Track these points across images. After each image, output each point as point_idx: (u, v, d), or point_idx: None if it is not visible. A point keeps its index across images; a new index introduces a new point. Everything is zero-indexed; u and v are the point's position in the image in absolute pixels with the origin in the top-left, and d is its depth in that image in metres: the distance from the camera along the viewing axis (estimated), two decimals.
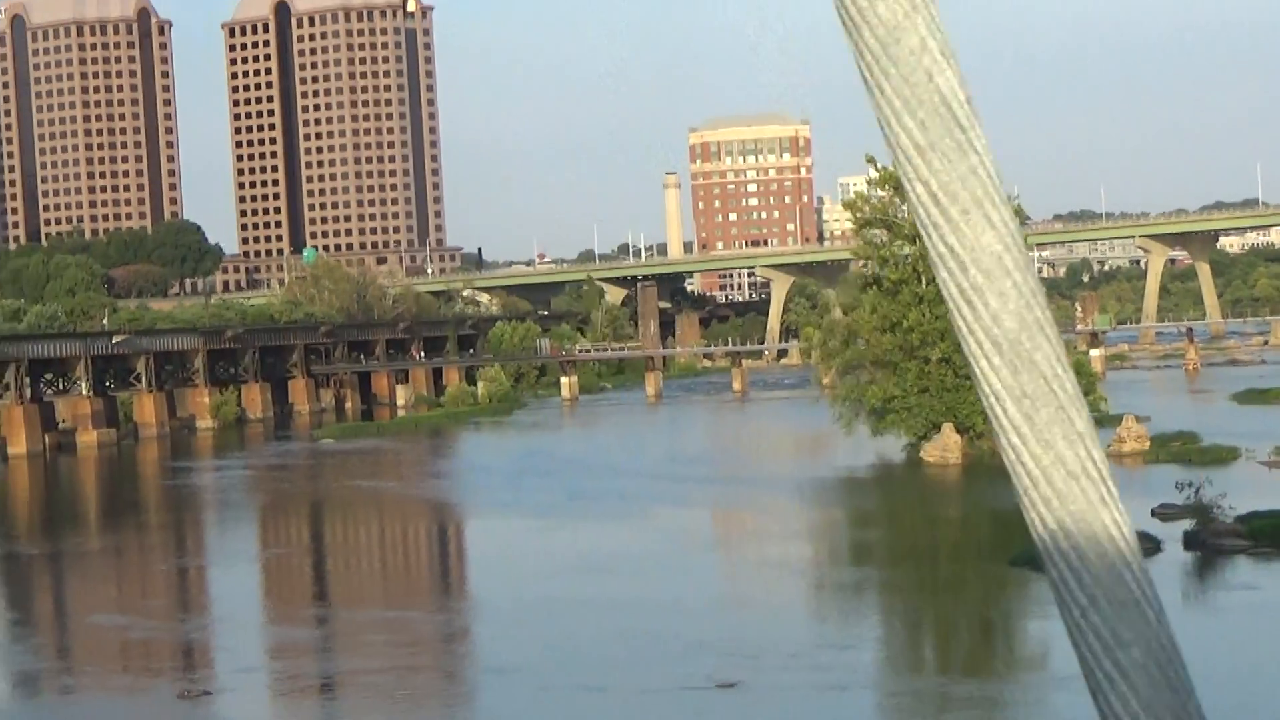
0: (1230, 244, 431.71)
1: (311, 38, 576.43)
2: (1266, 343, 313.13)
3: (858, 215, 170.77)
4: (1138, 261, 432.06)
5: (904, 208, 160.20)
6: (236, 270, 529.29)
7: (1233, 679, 70.44)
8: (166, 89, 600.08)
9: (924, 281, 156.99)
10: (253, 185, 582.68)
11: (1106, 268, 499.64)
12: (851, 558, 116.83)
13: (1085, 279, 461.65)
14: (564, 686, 73.77)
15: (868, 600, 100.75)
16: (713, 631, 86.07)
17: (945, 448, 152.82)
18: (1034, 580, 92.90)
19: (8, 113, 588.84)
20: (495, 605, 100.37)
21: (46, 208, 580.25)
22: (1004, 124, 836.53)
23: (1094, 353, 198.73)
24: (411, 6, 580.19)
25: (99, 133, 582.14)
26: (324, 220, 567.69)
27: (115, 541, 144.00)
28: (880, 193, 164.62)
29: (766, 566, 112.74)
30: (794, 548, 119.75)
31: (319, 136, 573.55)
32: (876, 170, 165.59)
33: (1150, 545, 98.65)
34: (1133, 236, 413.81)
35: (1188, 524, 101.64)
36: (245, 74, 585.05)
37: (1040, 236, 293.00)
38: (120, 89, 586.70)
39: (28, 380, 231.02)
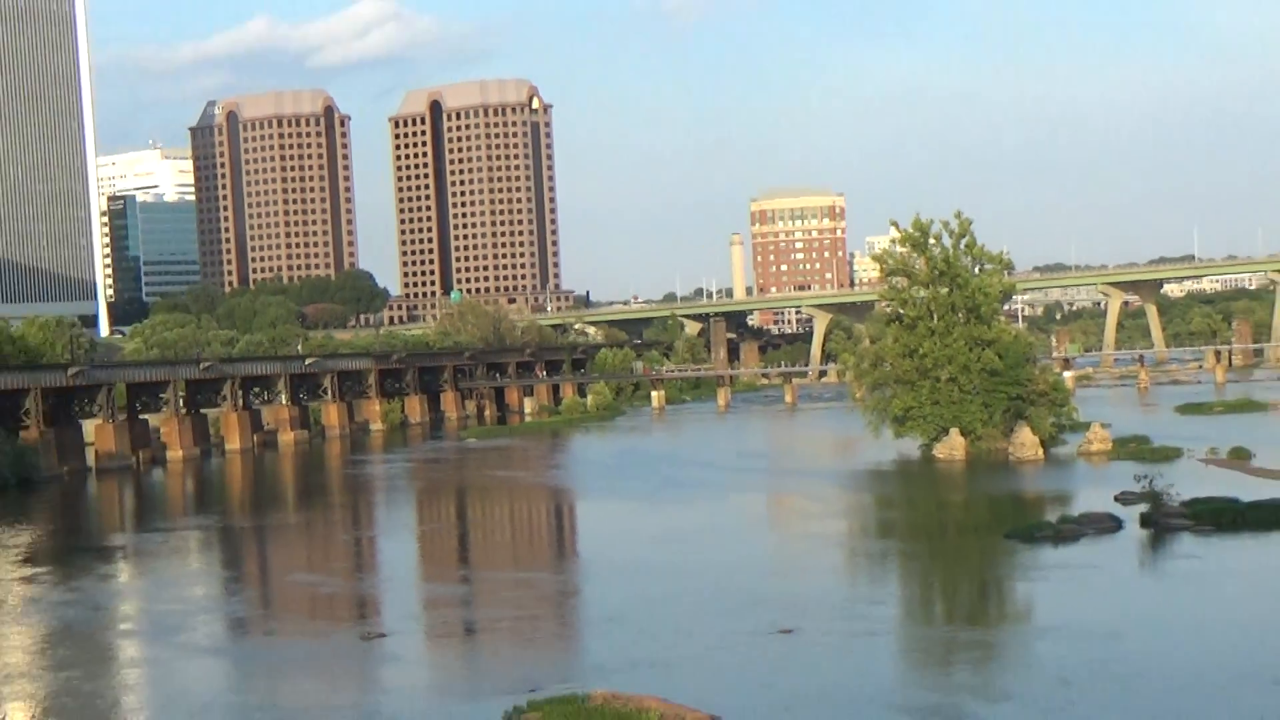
0: (1172, 290, 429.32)
1: (458, 128, 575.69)
2: (1200, 367, 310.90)
3: (884, 266, 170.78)
4: (1099, 303, 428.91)
5: (919, 260, 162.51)
6: (399, 308, 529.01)
7: (1179, 625, 72.64)
8: (346, 167, 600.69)
9: (935, 318, 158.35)
10: (412, 241, 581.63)
11: (1074, 308, 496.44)
12: (878, 532, 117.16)
13: (1058, 317, 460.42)
14: (658, 631, 74.78)
15: (890, 566, 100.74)
16: (771, 589, 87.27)
17: (952, 448, 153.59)
18: (1022, 550, 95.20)
19: (224, 186, 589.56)
20: (601, 567, 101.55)
21: (253, 260, 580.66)
22: (997, 195, 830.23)
23: (1066, 374, 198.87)
24: (535, 105, 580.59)
25: (294, 201, 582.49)
26: (467, 269, 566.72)
27: (307, 517, 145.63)
28: (901, 249, 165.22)
29: (811, 538, 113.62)
30: (832, 524, 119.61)
31: (463, 204, 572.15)
32: (898, 231, 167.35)
33: (1114, 524, 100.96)
34: (1095, 284, 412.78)
35: (1143, 507, 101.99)
36: (406, 155, 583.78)
37: (1022, 283, 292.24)
38: (310, 167, 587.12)
39: (240, 393, 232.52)
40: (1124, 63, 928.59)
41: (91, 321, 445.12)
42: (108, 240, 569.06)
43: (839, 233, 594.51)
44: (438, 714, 59.98)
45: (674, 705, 54.88)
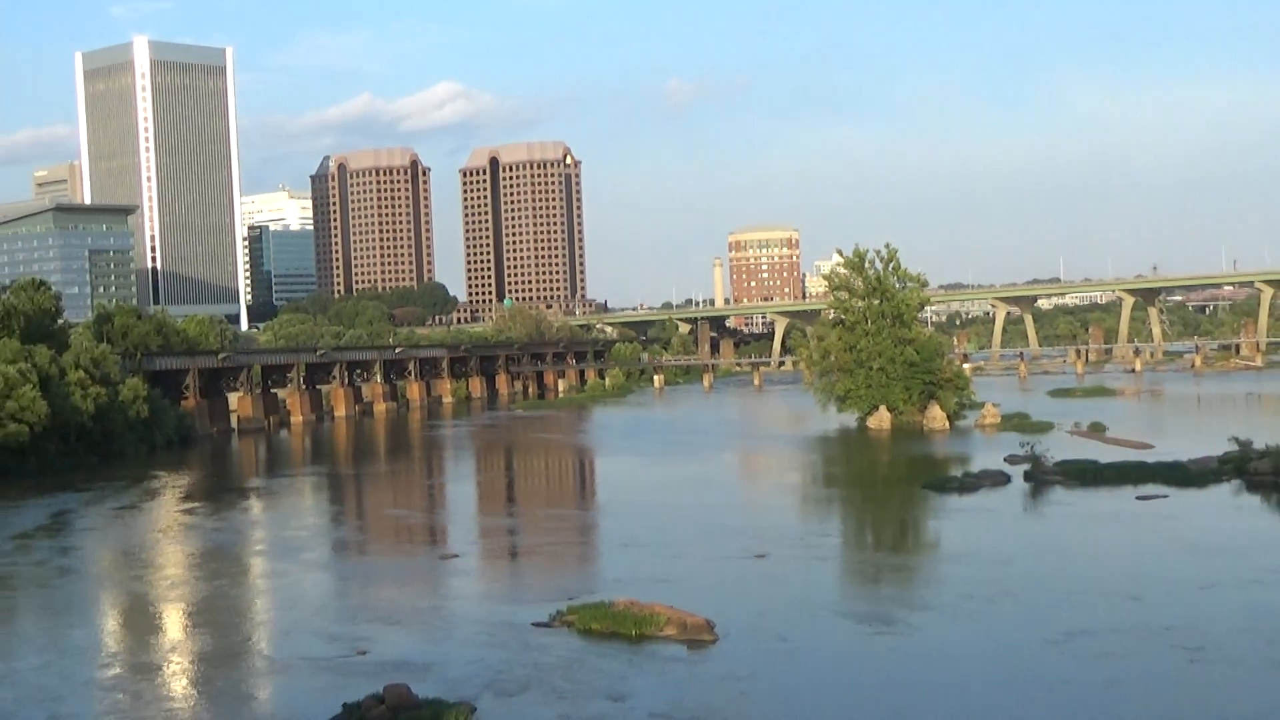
0: (1043, 303, 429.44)
1: (511, 178, 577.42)
2: (1065, 362, 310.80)
3: (831, 283, 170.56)
4: (988, 313, 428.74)
5: (858, 279, 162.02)
6: (465, 311, 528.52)
7: (1054, 553, 72.12)
8: (426, 205, 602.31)
9: (869, 322, 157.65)
10: (475, 261, 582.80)
11: (969, 316, 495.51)
12: (824, 482, 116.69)
13: (957, 323, 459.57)
14: (662, 555, 74.39)
15: (834, 507, 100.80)
16: (746, 523, 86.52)
17: (881, 420, 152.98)
18: (935, 498, 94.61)
19: (335, 219, 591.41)
20: (616, 506, 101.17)
21: (356, 274, 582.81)
22: (914, 230, 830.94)
23: (966, 366, 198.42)
24: (569, 161, 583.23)
25: (387, 230, 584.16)
26: (516, 282, 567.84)
27: (395, 467, 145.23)
28: (844, 270, 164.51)
29: (775, 486, 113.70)
30: (790, 476, 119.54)
31: (513, 233, 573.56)
32: (842, 257, 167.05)
33: (1004, 479, 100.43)
34: (986, 298, 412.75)
35: (1026, 466, 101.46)
36: (472, 197, 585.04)
37: (933, 297, 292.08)
38: (400, 205, 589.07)
39: (346, 374, 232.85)
40: (1007, 133, 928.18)
41: (235, 319, 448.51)
42: (247, 259, 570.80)
43: (795, 258, 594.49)
44: (499, 614, 59.49)
45: (677, 610, 54.49)
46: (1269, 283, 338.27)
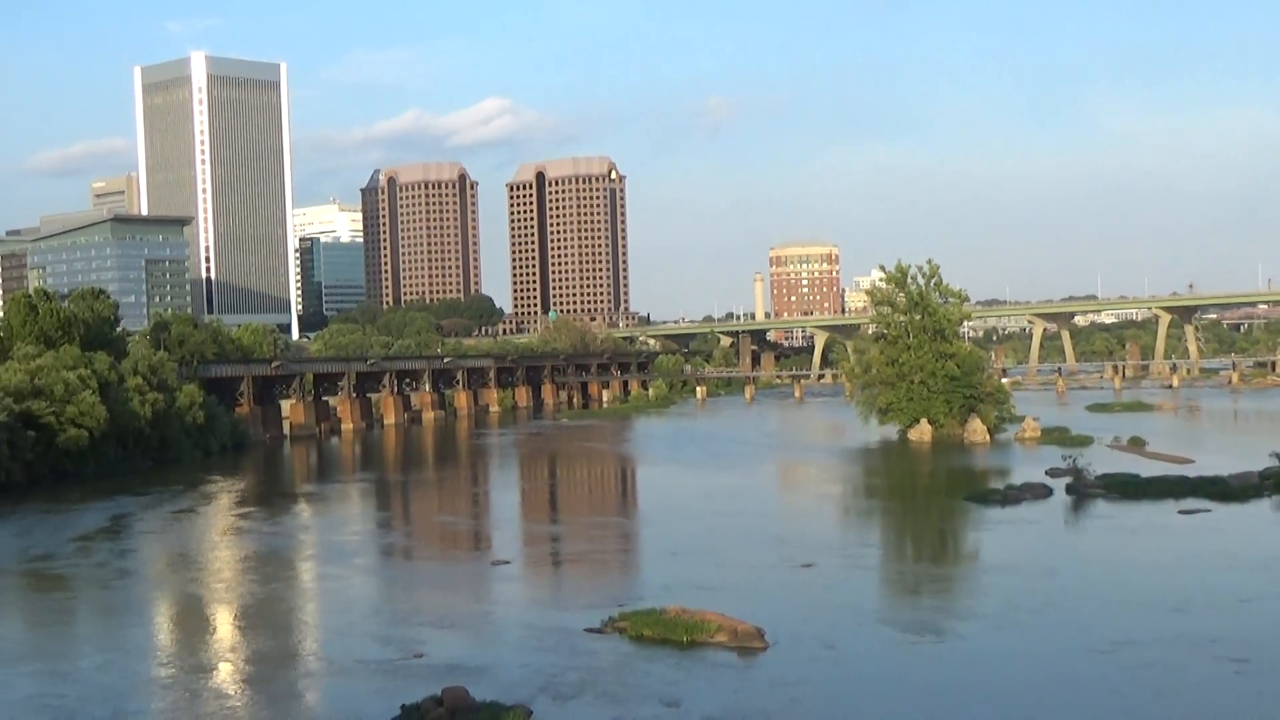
0: (1080, 320, 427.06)
1: (556, 192, 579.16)
2: (1102, 378, 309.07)
3: (874, 298, 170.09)
4: (1024, 329, 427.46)
5: (900, 294, 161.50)
6: (511, 322, 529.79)
7: (1097, 565, 71.68)
8: (474, 218, 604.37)
9: (911, 336, 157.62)
10: (521, 273, 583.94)
11: (1006, 332, 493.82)
12: (865, 493, 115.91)
13: (994, 339, 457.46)
14: (709, 562, 73.86)
15: (875, 518, 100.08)
16: (790, 532, 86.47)
17: (922, 433, 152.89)
18: (977, 509, 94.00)
19: (384, 231, 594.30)
20: (661, 514, 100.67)
21: (404, 285, 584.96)
22: (952, 245, 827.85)
23: (1004, 380, 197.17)
24: (613, 175, 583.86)
25: (435, 242, 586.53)
26: (561, 295, 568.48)
27: (444, 474, 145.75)
28: (886, 285, 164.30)
29: (818, 496, 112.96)
30: (833, 486, 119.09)
31: (559, 246, 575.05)
32: (884, 273, 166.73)
33: (1046, 491, 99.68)
34: (1024, 314, 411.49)
35: (1068, 479, 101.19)
36: (519, 210, 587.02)
37: (974, 313, 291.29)
38: (448, 218, 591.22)
39: (395, 382, 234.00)
40: (1042, 151, 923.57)
41: (286, 329, 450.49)
42: (299, 270, 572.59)
43: (834, 273, 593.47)
44: (550, 620, 59.40)
45: (728, 618, 54.16)
46: None
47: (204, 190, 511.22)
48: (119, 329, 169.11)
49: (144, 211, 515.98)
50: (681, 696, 45.92)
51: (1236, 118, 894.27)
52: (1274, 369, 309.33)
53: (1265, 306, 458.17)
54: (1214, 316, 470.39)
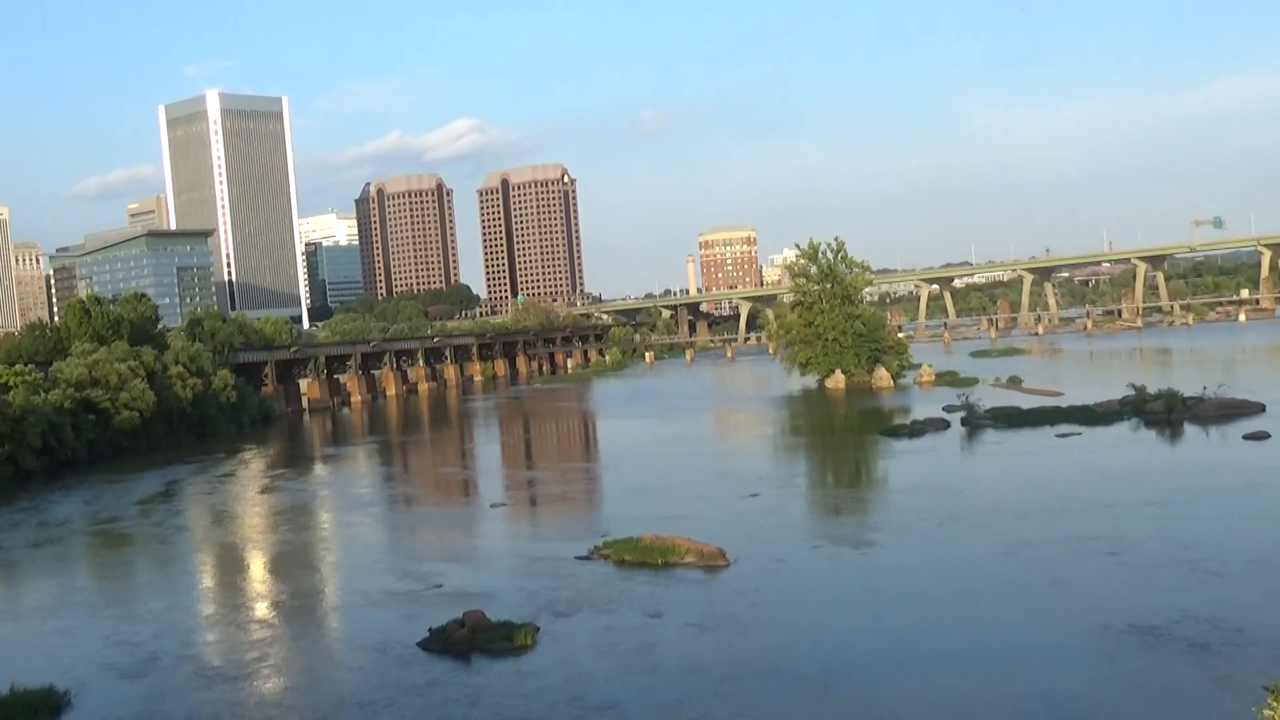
0: (958, 283, 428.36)
1: (519, 195, 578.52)
2: (979, 329, 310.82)
3: (792, 271, 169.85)
4: (913, 292, 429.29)
5: (813, 267, 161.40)
6: (486, 306, 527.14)
7: (992, 484, 72.08)
8: (451, 220, 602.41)
9: (824, 302, 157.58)
10: (493, 265, 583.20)
11: (897, 295, 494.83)
12: (793, 432, 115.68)
13: (888, 301, 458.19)
14: (668, 497, 73.56)
15: (804, 453, 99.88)
16: (734, 468, 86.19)
17: (837, 381, 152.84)
18: (887, 442, 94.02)
19: (376, 235, 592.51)
20: (624, 459, 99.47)
21: (395, 279, 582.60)
22: (853, 225, 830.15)
23: (899, 335, 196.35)
24: (566, 179, 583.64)
25: (420, 243, 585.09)
26: (527, 280, 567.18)
27: (440, 435, 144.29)
28: (801, 260, 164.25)
29: (755, 437, 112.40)
30: (765, 428, 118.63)
31: (523, 241, 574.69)
32: (798, 250, 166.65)
33: (944, 424, 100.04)
34: (912, 280, 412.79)
35: (962, 413, 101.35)
36: (488, 212, 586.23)
37: (875, 279, 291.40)
38: (429, 221, 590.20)
39: (394, 360, 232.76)
40: (924, 143, 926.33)
41: (299, 320, 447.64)
42: (306, 270, 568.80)
43: (753, 253, 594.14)
44: (546, 551, 59.20)
45: (695, 542, 54.01)
46: (1143, 259, 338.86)
47: (223, 206, 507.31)
48: (159, 326, 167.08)
49: (173, 226, 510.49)
50: (662, 608, 45.73)
51: (1079, 109, 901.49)
52: (1120, 315, 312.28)
53: (1108, 265, 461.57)
54: (1067, 275, 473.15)
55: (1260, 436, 79.70)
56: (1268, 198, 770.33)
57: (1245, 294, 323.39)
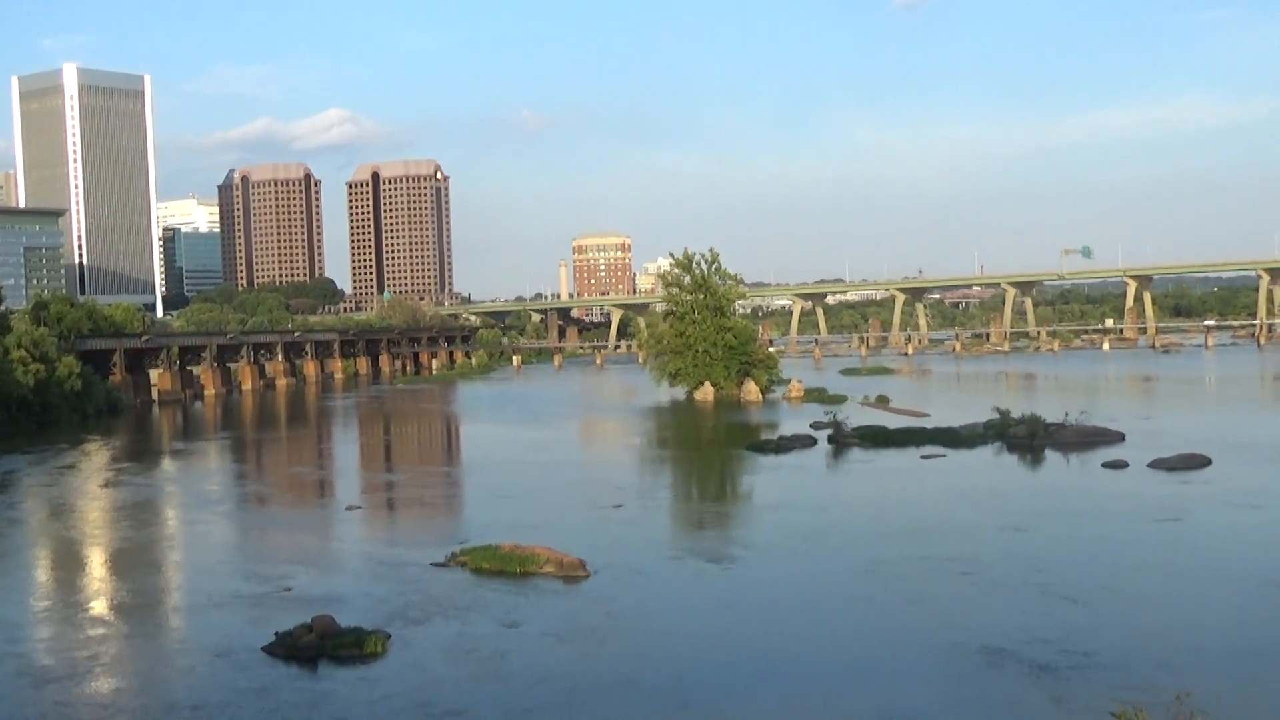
0: (831, 299, 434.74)
1: (390, 190, 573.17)
2: (850, 347, 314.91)
3: (665, 280, 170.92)
4: (785, 306, 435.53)
5: (687, 277, 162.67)
6: (351, 301, 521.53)
7: (855, 502, 73.55)
8: (318, 211, 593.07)
9: (696, 313, 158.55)
10: (359, 259, 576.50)
11: (770, 309, 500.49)
12: (660, 444, 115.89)
13: (761, 315, 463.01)
14: (530, 505, 73.40)
15: (667, 465, 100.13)
16: (599, 478, 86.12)
17: (706, 394, 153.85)
18: (753, 457, 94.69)
19: (239, 223, 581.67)
20: (487, 464, 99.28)
21: (257, 270, 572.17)
22: (725, 236, 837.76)
23: (771, 349, 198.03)
24: (439, 176, 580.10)
25: (284, 233, 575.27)
26: (394, 277, 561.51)
27: (296, 433, 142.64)
28: (675, 270, 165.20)
29: (621, 447, 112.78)
30: (630, 438, 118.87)
31: (392, 236, 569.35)
32: (673, 259, 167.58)
33: (811, 441, 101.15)
34: (786, 295, 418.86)
35: (829, 431, 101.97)
36: (357, 205, 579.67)
37: (749, 292, 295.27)
38: (295, 212, 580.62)
39: (252, 353, 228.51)
40: (800, 157, 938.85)
41: (151, 308, 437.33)
42: (162, 256, 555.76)
43: (627, 260, 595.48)
44: (401, 556, 58.71)
45: (555, 552, 54.01)
46: (1013, 284, 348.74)
47: (76, 186, 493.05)
48: (2, 307, 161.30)
49: (22, 204, 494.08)
50: (518, 618, 45.72)
51: (955, 133, 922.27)
52: (988, 339, 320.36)
53: (979, 289, 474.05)
54: (938, 297, 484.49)
55: (1119, 465, 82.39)
56: (1135, 230, 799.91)
57: (1110, 323, 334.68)
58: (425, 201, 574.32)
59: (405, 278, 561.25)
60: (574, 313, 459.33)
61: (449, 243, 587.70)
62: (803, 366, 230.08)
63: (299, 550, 61.78)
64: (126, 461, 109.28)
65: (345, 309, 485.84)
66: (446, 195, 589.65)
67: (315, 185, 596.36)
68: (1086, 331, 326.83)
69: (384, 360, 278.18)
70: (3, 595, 53.29)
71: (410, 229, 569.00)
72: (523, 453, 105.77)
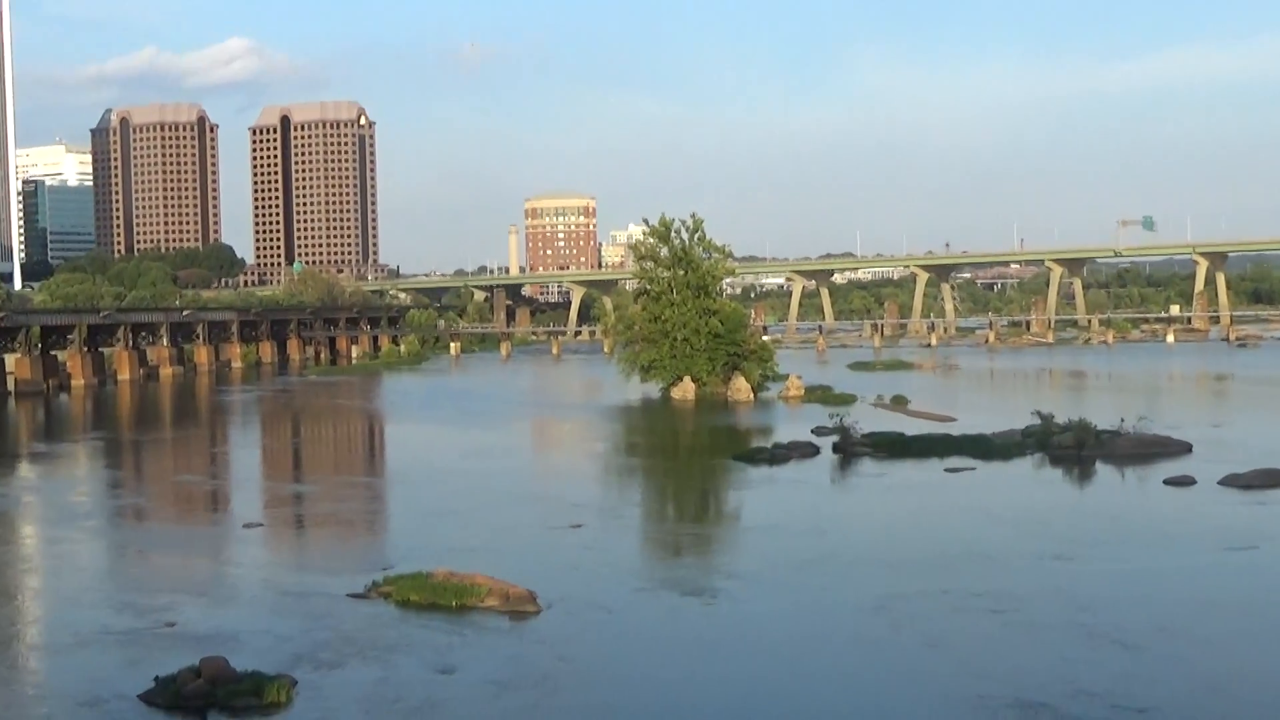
0: (839, 278, 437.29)
1: (303, 137, 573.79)
2: (861, 336, 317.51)
3: (637, 253, 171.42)
4: (783, 286, 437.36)
5: (664, 249, 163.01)
6: (253, 274, 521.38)
7: (864, 523, 73.72)
8: (214, 163, 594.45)
9: (674, 292, 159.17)
10: (264, 221, 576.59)
11: (765, 289, 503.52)
12: (628, 452, 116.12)
13: (753, 295, 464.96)
14: (469, 523, 73.78)
15: (637, 477, 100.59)
16: (554, 492, 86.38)
17: (685, 391, 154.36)
18: (743, 469, 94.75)
19: (116, 176, 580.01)
20: (417, 474, 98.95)
21: (138, 233, 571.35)
22: (709, 201, 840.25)
23: (765, 338, 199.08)
24: (363, 121, 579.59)
25: (172, 188, 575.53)
26: (307, 246, 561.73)
27: (184, 433, 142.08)
28: (650, 240, 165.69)
29: (581, 455, 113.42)
30: (596, 445, 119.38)
31: (304, 194, 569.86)
32: (648, 226, 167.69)
33: (813, 450, 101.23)
34: (783, 272, 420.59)
35: (835, 438, 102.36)
36: (262, 156, 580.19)
37: (739, 268, 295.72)
38: (186, 162, 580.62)
39: (130, 336, 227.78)
40: (803, 108, 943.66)
41: (8, 278, 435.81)
42: (21, 215, 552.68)
43: (591, 226, 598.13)
44: (311, 585, 58.63)
45: (500, 581, 53.99)
46: (1059, 261, 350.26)
47: None
48: None
49: None
50: (453, 661, 45.68)
51: (989, 76, 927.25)
52: (1029, 328, 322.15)
53: (1018, 266, 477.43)
54: (969, 276, 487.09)
55: (1184, 482, 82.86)
56: (1207, 198, 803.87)
57: (1175, 310, 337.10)
58: (345, 153, 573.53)
59: (320, 245, 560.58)
60: (525, 290, 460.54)
61: (374, 203, 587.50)
62: (804, 359, 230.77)
63: (185, 577, 61.66)
64: None
65: (246, 282, 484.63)
66: (372, 145, 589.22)
67: (211, 130, 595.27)
68: (1147, 320, 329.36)
69: (293, 346, 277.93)
70: None
71: (327, 186, 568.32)
72: (461, 460, 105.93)
